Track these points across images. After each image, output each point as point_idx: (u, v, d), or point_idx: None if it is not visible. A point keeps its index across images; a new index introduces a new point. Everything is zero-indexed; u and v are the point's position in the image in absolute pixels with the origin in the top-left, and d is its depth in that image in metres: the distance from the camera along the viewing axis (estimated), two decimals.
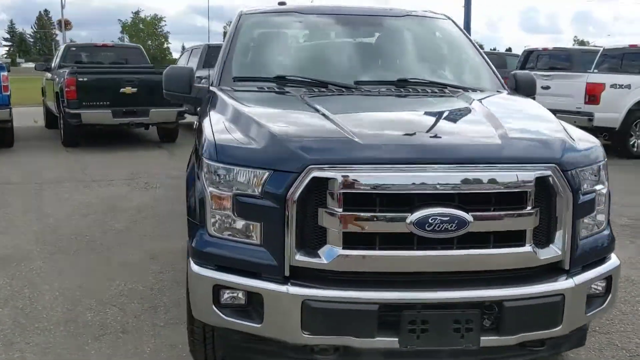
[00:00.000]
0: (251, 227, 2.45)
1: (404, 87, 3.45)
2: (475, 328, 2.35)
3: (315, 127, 2.63)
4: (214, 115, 2.96)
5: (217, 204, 2.51)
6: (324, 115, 2.73)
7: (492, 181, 2.34)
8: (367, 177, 2.30)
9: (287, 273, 2.38)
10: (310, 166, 2.32)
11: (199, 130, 2.98)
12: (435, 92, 3.41)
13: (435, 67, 3.86)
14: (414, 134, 2.60)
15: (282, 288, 2.36)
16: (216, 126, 2.76)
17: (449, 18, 4.25)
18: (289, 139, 2.46)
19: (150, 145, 11.44)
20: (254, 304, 2.47)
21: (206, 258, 2.54)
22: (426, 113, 3.08)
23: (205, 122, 2.92)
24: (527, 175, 2.36)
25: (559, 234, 2.45)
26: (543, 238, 2.46)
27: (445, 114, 2.99)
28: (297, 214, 2.34)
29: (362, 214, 2.31)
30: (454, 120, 2.86)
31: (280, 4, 4.27)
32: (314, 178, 2.31)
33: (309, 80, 3.47)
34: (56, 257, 4.82)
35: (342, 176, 2.29)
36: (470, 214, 2.30)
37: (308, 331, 2.35)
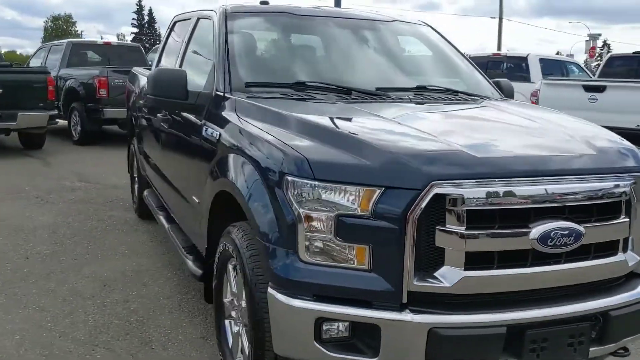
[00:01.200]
0: (357, 250, 2.21)
1: (422, 94, 3.36)
2: (586, 341, 2.34)
3: (420, 141, 2.44)
4: (269, 127, 2.64)
5: (311, 226, 2.24)
6: (410, 126, 2.56)
7: (600, 191, 2.34)
8: (491, 192, 2.18)
9: (404, 300, 2.18)
10: (433, 182, 2.14)
11: (247, 141, 2.66)
12: (462, 99, 3.37)
13: (440, 74, 3.82)
14: (522, 146, 2.52)
15: (405, 316, 2.16)
16: (288, 139, 2.46)
17: (427, 25, 4.24)
18: (406, 153, 2.26)
19: (14, 154, 10.17)
20: (362, 336, 2.24)
21: (300, 288, 2.26)
22: (498, 123, 3.01)
23: (258, 134, 2.61)
24: (625, 184, 2.40)
25: (633, 241, 2.52)
26: (624, 246, 2.51)
27: (520, 124, 2.93)
28: (417, 234, 2.15)
29: (485, 231, 2.18)
30: (537, 130, 2.82)
31: (263, 3, 3.96)
32: (435, 195, 2.14)
33: (332, 87, 3.25)
34: None
35: (466, 192, 2.15)
36: (582, 225, 2.28)
37: None
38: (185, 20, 4.73)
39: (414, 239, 2.15)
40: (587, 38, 40.16)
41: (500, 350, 2.21)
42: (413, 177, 2.16)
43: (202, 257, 3.46)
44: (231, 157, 2.76)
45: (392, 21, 4.05)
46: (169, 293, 4.09)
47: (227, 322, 3.01)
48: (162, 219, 4.47)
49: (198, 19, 4.15)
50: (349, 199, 2.20)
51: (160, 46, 5.14)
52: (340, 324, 2.23)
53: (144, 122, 4.94)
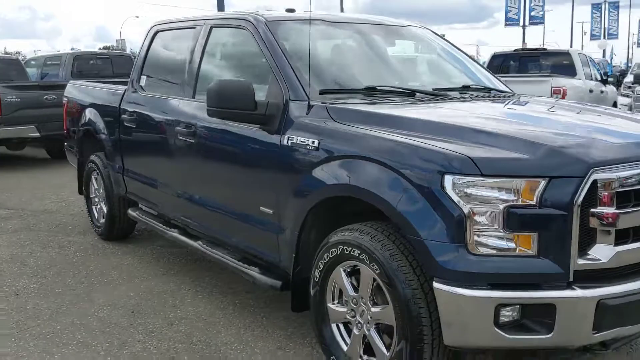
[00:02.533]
0: (524, 238, 2.40)
1: (469, 93, 3.62)
2: None
3: (563, 133, 2.67)
4: (389, 130, 2.75)
5: (480, 220, 2.39)
6: (529, 122, 2.80)
7: None
8: (635, 174, 2.47)
9: (571, 278, 2.41)
10: (593, 169, 2.39)
11: (373, 146, 2.73)
12: (502, 95, 3.68)
13: (469, 73, 4.08)
14: (626, 133, 2.84)
15: (577, 293, 2.38)
16: (431, 141, 2.58)
17: (427, 28, 4.51)
18: (565, 145, 2.48)
19: None
20: (532, 317, 2.42)
21: (474, 279, 2.40)
22: (577, 113, 3.36)
23: (389, 138, 2.70)
24: None
25: None
26: None
27: (596, 114, 3.29)
28: (580, 218, 2.39)
29: (630, 209, 2.47)
30: (616, 117, 3.18)
31: (289, 10, 3.96)
32: (593, 181, 2.39)
33: (399, 90, 3.39)
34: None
35: (617, 176, 2.43)
36: None
37: (597, 330, 2.42)
38: (177, 29, 4.58)
39: (578, 223, 2.38)
40: None
41: None
42: (575, 166, 2.39)
43: (270, 267, 3.44)
44: (351, 162, 2.80)
45: (406, 26, 4.27)
46: (208, 311, 3.96)
47: (333, 326, 3.03)
48: (178, 235, 4.30)
49: (211, 27, 4.04)
50: (515, 191, 2.38)
51: (138, 57, 4.89)
52: (513, 307, 2.40)
53: (137, 138, 4.67)
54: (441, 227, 2.44)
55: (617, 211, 2.41)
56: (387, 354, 2.74)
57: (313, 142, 3.00)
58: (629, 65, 43.79)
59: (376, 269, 2.66)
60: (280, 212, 3.25)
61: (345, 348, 2.98)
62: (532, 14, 34.24)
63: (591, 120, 3.19)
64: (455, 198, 2.40)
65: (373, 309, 2.78)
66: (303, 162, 3.05)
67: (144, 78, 4.72)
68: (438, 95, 3.47)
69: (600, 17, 52.83)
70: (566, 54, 11.25)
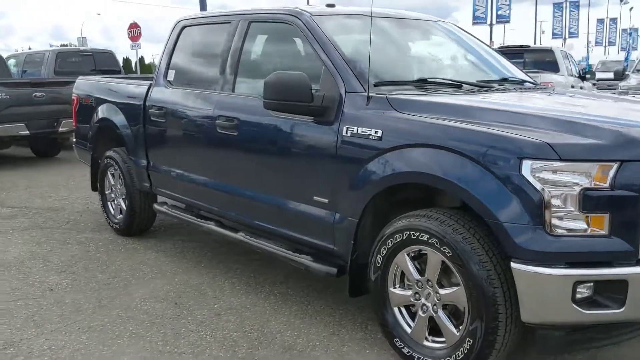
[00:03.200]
0: (598, 219, 2.54)
1: (510, 85, 3.78)
2: None
3: (622, 118, 2.84)
4: (458, 119, 2.89)
5: (556, 203, 2.53)
6: (590, 109, 2.95)
7: None
8: None
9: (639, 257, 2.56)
10: None
11: (446, 134, 2.84)
12: (535, 87, 3.85)
13: (501, 66, 4.23)
14: None
15: None
16: (499, 128, 2.72)
17: (453, 23, 4.66)
18: (631, 130, 2.63)
19: None
20: (603, 293, 2.57)
21: (552, 258, 2.54)
22: (614, 102, 3.56)
23: (462, 127, 2.82)
24: None
25: None
26: None
27: (625, 101, 3.48)
28: None
29: None
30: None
31: (329, 5, 4.05)
32: None
33: (449, 82, 3.53)
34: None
35: None
36: None
37: None
38: (208, 24, 4.62)
39: None
40: None
41: None
42: None
43: (320, 254, 3.53)
44: (422, 150, 2.91)
45: (437, 21, 4.40)
46: (251, 301, 4.02)
47: (395, 310, 3.14)
48: (216, 227, 4.35)
49: (250, 22, 4.10)
50: (590, 174, 2.52)
51: (164, 52, 4.90)
52: (588, 285, 2.55)
53: (168, 132, 4.69)
54: (520, 210, 2.57)
55: None
56: (457, 334, 2.86)
57: (376, 132, 3.10)
58: (589, 63, 44.94)
59: (448, 252, 2.77)
60: (336, 200, 3.34)
61: (409, 330, 3.09)
62: (499, 12, 34.92)
63: (633, 107, 3.38)
64: (534, 182, 2.53)
65: (442, 291, 2.90)
66: (365, 152, 3.15)
67: (172, 73, 4.74)
68: (483, 86, 3.61)
69: (562, 16, 54.04)
70: (549, 51, 11.63)
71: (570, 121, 2.75)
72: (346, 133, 3.25)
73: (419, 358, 3.01)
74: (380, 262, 3.12)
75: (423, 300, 3.01)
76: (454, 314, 2.93)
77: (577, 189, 2.51)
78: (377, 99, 3.21)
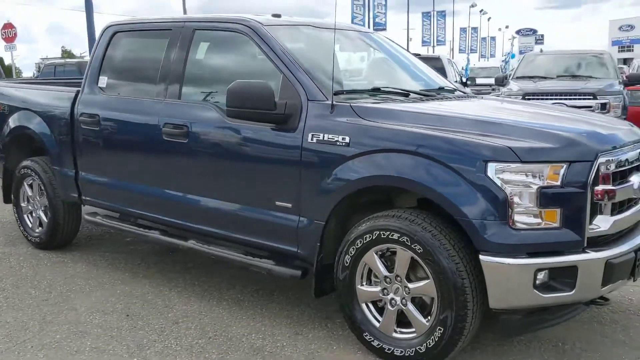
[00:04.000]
0: (551, 213, 2.90)
1: (448, 93, 4.12)
2: None
3: (572, 125, 3.21)
4: (421, 126, 3.14)
5: (518, 200, 2.85)
6: (535, 116, 3.31)
7: None
8: (625, 157, 3.08)
9: (585, 244, 2.95)
10: (599, 154, 2.96)
11: (412, 140, 3.08)
12: (472, 95, 4.22)
13: (432, 76, 4.54)
14: (601, 126, 3.43)
15: (592, 255, 2.93)
16: (468, 134, 3.00)
17: (382, 35, 4.94)
18: (579, 134, 3.01)
19: None
20: (556, 278, 2.93)
21: (515, 250, 2.86)
22: (555, 110, 3.98)
23: (427, 133, 3.07)
24: None
25: None
26: None
27: (558, 110, 3.89)
28: (590, 195, 2.94)
29: (621, 186, 3.07)
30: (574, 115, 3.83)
31: (275, 15, 4.15)
32: (599, 164, 2.96)
33: (399, 90, 3.78)
34: None
35: (612, 160, 3.02)
36: None
37: (603, 285, 2.99)
38: (144, 30, 4.57)
39: (589, 199, 2.92)
40: None
41: (630, 268, 3.12)
42: (588, 152, 2.93)
43: (280, 258, 3.65)
44: (392, 155, 3.11)
45: (371, 32, 4.66)
46: (205, 308, 4.04)
47: (363, 306, 3.34)
48: (161, 236, 4.31)
49: (194, 30, 4.12)
50: (545, 174, 2.87)
51: (93, 58, 4.75)
52: (544, 271, 2.89)
53: (103, 140, 4.56)
54: (487, 208, 2.86)
55: (614, 187, 2.99)
56: (427, 324, 3.10)
57: (344, 139, 3.27)
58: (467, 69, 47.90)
59: (419, 249, 3.01)
60: (300, 204, 3.48)
61: (377, 324, 3.29)
62: (376, 20, 36.37)
63: (573, 114, 3.83)
64: (499, 182, 2.84)
65: (411, 285, 3.13)
66: (332, 158, 3.31)
67: (103, 79, 4.62)
68: (427, 95, 3.90)
69: (430, 24, 57.14)
70: (437, 59, 12.41)
71: (525, 127, 3.09)
72: (311, 139, 3.39)
73: (389, 349, 3.22)
74: (348, 261, 3.30)
75: (391, 295, 3.22)
76: (421, 305, 3.17)
77: (534, 187, 2.84)
78: (340, 107, 3.39)
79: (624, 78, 11.06)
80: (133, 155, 4.38)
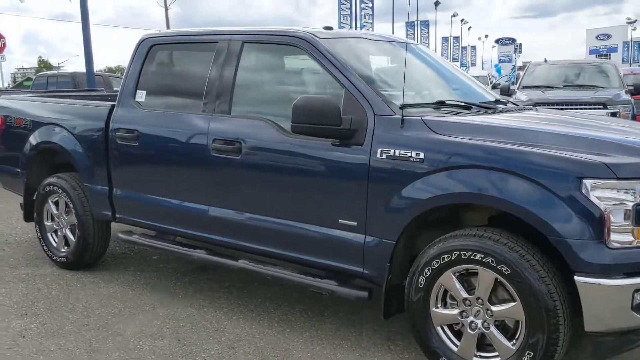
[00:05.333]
0: None
1: (499, 105, 4.04)
2: None
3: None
4: (502, 140, 3.04)
5: (614, 218, 2.75)
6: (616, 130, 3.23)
7: None
8: None
9: None
10: None
11: (497, 155, 2.96)
12: (527, 107, 4.14)
13: (477, 87, 4.43)
14: None
15: None
16: (550, 149, 2.90)
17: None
18: None
19: None
20: None
21: (613, 270, 2.75)
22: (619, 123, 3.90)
23: (515, 149, 2.95)
24: None
25: None
26: None
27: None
28: None
29: None
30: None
31: (327, 28, 4.02)
32: None
33: (462, 103, 3.67)
34: None
35: None
36: None
37: None
38: (186, 43, 4.42)
39: None
40: None
41: None
42: None
43: (343, 278, 3.52)
44: (474, 172, 2.99)
45: (416, 44, 4.55)
46: (255, 330, 3.87)
47: (439, 329, 3.21)
48: (208, 256, 4.15)
49: (243, 43, 3.98)
50: (638, 190, 2.76)
51: (129, 72, 4.58)
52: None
53: (143, 157, 4.38)
54: (582, 227, 2.75)
55: None
56: (513, 347, 2.97)
57: (417, 155, 3.15)
58: None
59: (506, 270, 2.89)
60: (367, 223, 3.34)
61: (455, 349, 3.16)
62: (363, 30, 36.44)
63: (628, 126, 3.75)
64: (594, 199, 2.73)
65: (495, 308, 3.00)
66: (404, 174, 3.18)
67: (141, 93, 4.45)
68: (489, 107, 3.80)
69: (414, 34, 57.52)
70: None
71: (611, 142, 2.99)
72: (380, 155, 3.26)
73: None
74: (423, 283, 3.17)
75: (471, 317, 3.09)
76: (503, 328, 3.04)
77: (630, 204, 2.74)
78: (411, 121, 3.26)
79: (629, 87, 11.08)
80: (176, 171, 4.21)
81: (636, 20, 64.42)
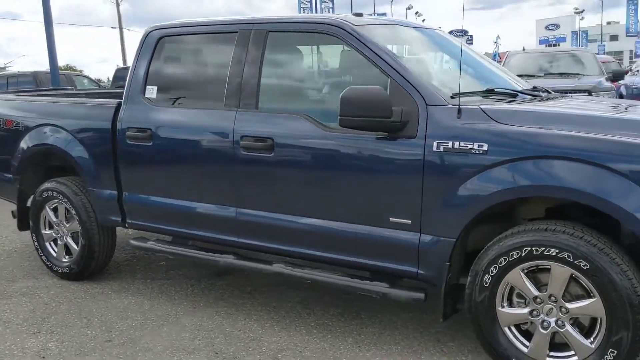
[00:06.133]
0: None
1: (545, 93, 3.89)
2: None
3: None
4: (571, 128, 2.87)
5: None
6: None
7: None
8: None
9: None
10: None
11: (571, 144, 2.80)
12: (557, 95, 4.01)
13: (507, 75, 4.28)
14: None
15: None
16: (623, 137, 2.76)
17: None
18: None
19: None
20: None
21: None
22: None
23: (595, 137, 2.79)
24: None
25: None
26: None
27: None
28: None
29: None
30: None
31: (357, 15, 3.77)
32: None
33: (510, 91, 3.50)
34: None
35: None
36: None
37: None
38: (200, 34, 4.12)
39: None
40: None
41: None
42: None
43: (394, 280, 3.33)
44: (540, 162, 2.82)
45: (441, 31, 4.37)
46: (296, 339, 3.64)
47: (506, 330, 3.04)
48: (237, 261, 3.89)
49: (267, 32, 3.71)
50: None
51: (136, 67, 4.25)
52: None
53: (157, 157, 4.07)
54: None
55: None
56: (592, 346, 2.82)
57: (480, 146, 2.96)
58: None
59: (585, 265, 2.73)
60: (423, 220, 3.15)
61: (525, 350, 2.99)
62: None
63: None
64: None
65: (571, 305, 2.84)
66: (467, 167, 2.99)
67: (152, 89, 4.14)
68: (535, 95, 3.64)
69: None
70: None
71: None
72: (437, 148, 3.06)
73: None
74: (488, 281, 2.99)
75: (543, 316, 2.93)
76: (578, 326, 2.89)
77: None
78: (469, 110, 3.07)
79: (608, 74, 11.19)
80: (197, 171, 3.92)
81: (584, 10, 66.08)
